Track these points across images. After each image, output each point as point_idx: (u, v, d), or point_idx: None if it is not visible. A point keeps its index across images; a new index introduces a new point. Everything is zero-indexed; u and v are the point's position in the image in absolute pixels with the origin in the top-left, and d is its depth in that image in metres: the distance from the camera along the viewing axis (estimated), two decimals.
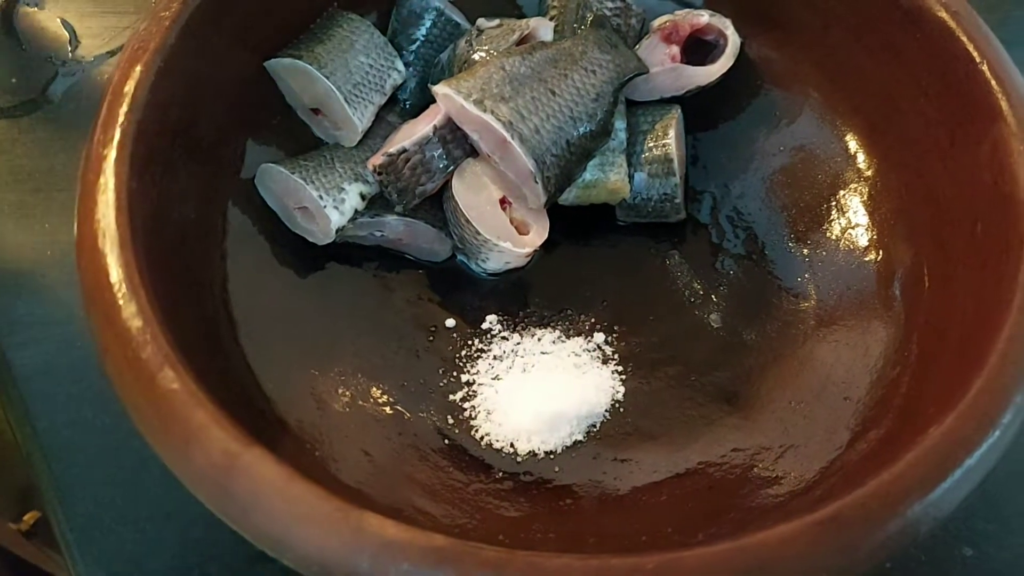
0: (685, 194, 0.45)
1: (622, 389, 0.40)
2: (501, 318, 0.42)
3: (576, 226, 0.44)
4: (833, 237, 0.42)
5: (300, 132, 0.43)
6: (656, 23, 0.45)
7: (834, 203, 0.43)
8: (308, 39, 0.42)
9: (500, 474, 0.37)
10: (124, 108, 0.33)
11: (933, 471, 0.27)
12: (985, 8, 0.39)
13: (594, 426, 0.39)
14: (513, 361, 0.41)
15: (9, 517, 0.49)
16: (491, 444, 0.38)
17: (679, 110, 0.44)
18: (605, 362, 0.41)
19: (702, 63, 0.44)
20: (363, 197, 0.41)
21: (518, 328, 0.42)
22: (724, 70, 0.44)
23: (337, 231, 0.40)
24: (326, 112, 0.42)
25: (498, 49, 0.42)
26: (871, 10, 0.40)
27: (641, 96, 0.45)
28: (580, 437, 0.39)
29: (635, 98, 0.45)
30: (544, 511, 0.36)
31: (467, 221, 0.41)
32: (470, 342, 0.41)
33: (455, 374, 0.40)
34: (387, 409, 0.39)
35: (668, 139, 0.43)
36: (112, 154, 0.32)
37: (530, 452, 0.38)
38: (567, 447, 0.38)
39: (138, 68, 0.34)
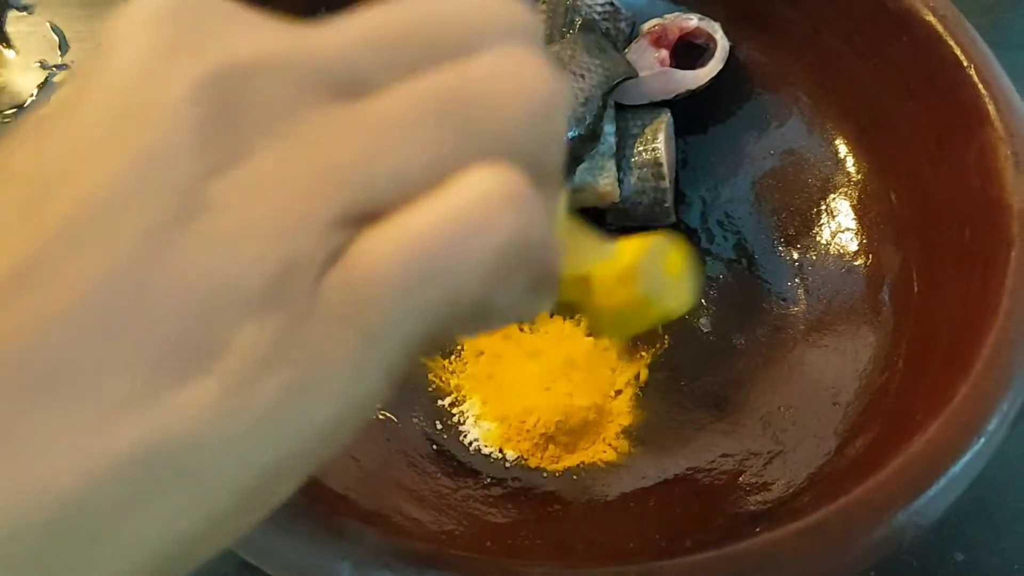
0: (675, 198, 0.44)
1: (611, 394, 0.40)
2: None
3: None
4: (823, 241, 0.42)
5: None
6: (645, 27, 0.45)
7: (823, 207, 0.43)
8: None
9: (488, 480, 0.37)
10: None
11: (918, 479, 0.27)
12: (978, 11, 0.39)
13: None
14: (502, 366, 0.41)
15: None
16: (479, 450, 0.38)
17: (668, 114, 0.44)
18: (595, 367, 0.41)
19: (691, 67, 0.44)
20: None
21: (507, 333, 0.42)
22: (713, 74, 0.44)
23: None
24: None
25: None
26: (860, 14, 0.40)
27: (630, 100, 0.45)
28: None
29: (624, 102, 0.45)
30: (532, 517, 0.36)
31: None
32: (459, 347, 0.41)
33: (444, 379, 0.40)
34: (375, 414, 0.38)
35: (657, 143, 0.43)
36: None
37: (518, 458, 0.38)
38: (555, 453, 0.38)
39: None
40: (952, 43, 0.37)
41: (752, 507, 0.34)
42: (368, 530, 0.25)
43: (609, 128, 0.43)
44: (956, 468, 0.27)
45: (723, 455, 0.37)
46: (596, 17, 0.44)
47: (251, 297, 0.13)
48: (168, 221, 0.13)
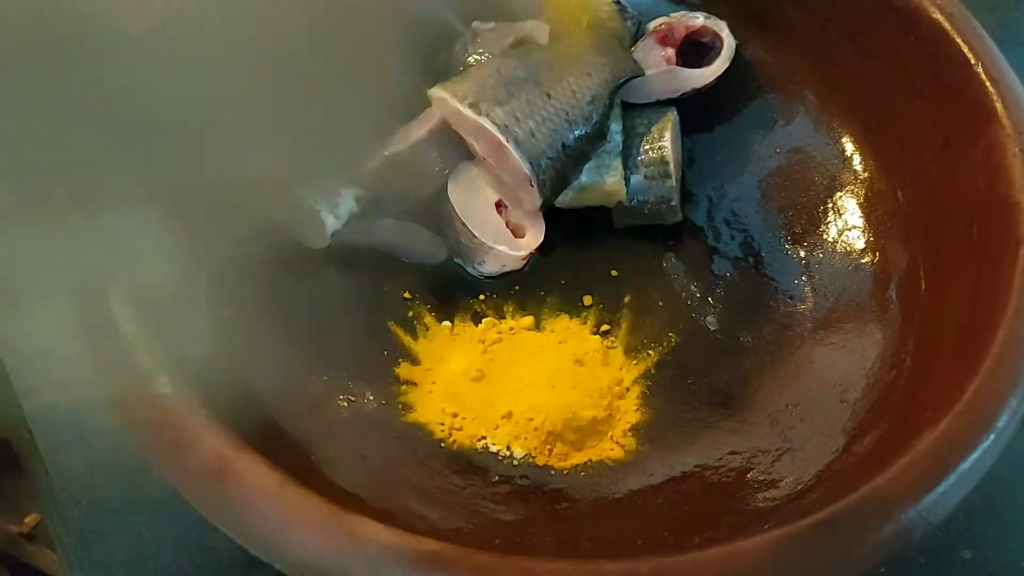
0: (681, 196, 0.44)
1: (618, 392, 0.40)
2: (497, 321, 0.42)
3: (572, 229, 0.44)
4: (829, 239, 0.42)
5: None
6: (651, 25, 0.45)
7: (830, 205, 0.43)
8: None
9: (496, 478, 0.37)
10: None
11: (927, 476, 0.27)
12: (984, 8, 0.39)
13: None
14: (509, 364, 0.41)
15: (10, 519, 0.49)
16: (487, 447, 0.38)
17: (675, 112, 0.44)
18: (602, 365, 0.41)
19: (698, 65, 0.44)
20: (358, 200, 0.41)
21: (514, 331, 0.42)
22: (720, 72, 0.44)
23: (332, 235, 0.40)
24: None
25: (493, 52, 0.42)
26: (866, 13, 0.40)
27: (637, 99, 0.45)
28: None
29: (631, 100, 0.45)
30: (540, 515, 0.36)
31: (463, 224, 0.41)
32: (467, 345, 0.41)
33: (451, 377, 0.40)
34: (383, 412, 0.39)
35: (664, 141, 0.43)
36: None
37: (526, 455, 0.38)
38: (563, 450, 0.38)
39: None
40: (959, 41, 0.37)
41: (761, 504, 0.34)
42: (379, 528, 0.25)
43: (615, 127, 0.43)
44: (965, 465, 0.27)
45: (731, 452, 0.37)
46: (603, 16, 0.44)
47: None
48: None
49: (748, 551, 0.25)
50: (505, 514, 0.35)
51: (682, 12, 0.45)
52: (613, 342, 0.42)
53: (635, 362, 0.41)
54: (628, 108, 0.45)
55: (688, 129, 0.45)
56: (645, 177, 0.43)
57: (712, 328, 0.42)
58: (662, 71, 0.44)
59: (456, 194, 0.41)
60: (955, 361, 0.32)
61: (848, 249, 0.42)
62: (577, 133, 0.40)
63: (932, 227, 0.38)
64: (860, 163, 0.42)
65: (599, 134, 0.41)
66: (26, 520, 0.49)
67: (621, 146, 0.43)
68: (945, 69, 0.37)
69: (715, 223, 0.45)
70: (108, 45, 0.25)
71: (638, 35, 0.46)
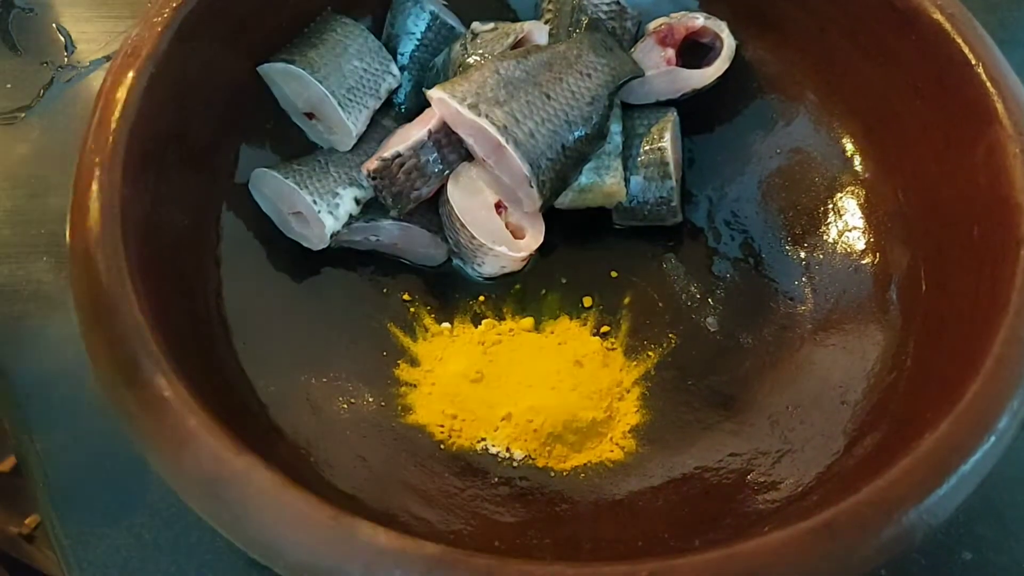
0: (681, 197, 0.44)
1: (618, 394, 0.40)
2: (497, 323, 0.42)
3: (572, 230, 0.44)
4: (830, 240, 0.42)
5: (294, 137, 0.43)
6: (651, 26, 0.45)
7: (831, 206, 0.43)
8: (302, 43, 0.42)
9: (496, 479, 0.37)
10: (116, 114, 0.33)
11: (928, 478, 0.27)
12: (984, 9, 0.39)
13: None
14: (509, 366, 0.40)
15: (10, 520, 0.49)
16: (487, 449, 0.38)
17: (675, 113, 0.44)
18: (602, 366, 0.41)
19: (698, 66, 0.44)
20: (358, 202, 0.41)
21: (514, 332, 0.42)
22: (720, 73, 0.44)
23: (332, 236, 0.40)
24: (320, 116, 0.42)
25: (493, 53, 0.42)
26: (866, 12, 0.40)
27: (637, 99, 0.45)
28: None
29: (631, 101, 0.45)
30: (540, 516, 0.36)
31: (462, 225, 0.41)
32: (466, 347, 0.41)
33: (450, 379, 0.40)
34: (383, 414, 0.38)
35: (664, 142, 0.43)
36: (104, 161, 0.32)
37: (526, 457, 0.38)
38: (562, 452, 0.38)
39: (130, 74, 0.34)
40: (960, 41, 0.36)
41: (761, 506, 0.34)
42: (378, 530, 0.25)
43: (615, 127, 0.43)
44: (967, 467, 0.27)
45: (731, 454, 0.37)
46: (602, 16, 0.44)
47: None
48: None
49: (749, 553, 0.25)
50: (505, 516, 0.35)
51: (682, 12, 0.45)
52: (613, 343, 0.42)
53: (635, 363, 0.41)
54: (628, 109, 0.44)
55: (688, 130, 0.45)
56: (645, 178, 0.43)
57: (712, 329, 0.42)
58: (662, 72, 0.44)
59: (456, 195, 0.41)
60: (956, 362, 0.32)
61: (849, 250, 0.42)
62: (577, 134, 0.40)
63: (933, 228, 0.38)
64: (860, 164, 0.42)
65: (599, 135, 0.41)
66: (26, 521, 0.49)
67: (621, 147, 0.43)
68: (946, 69, 0.37)
69: (715, 224, 0.45)
70: None
71: (638, 35, 0.46)
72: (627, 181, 0.43)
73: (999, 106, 0.35)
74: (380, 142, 0.43)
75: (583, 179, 0.42)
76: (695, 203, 0.45)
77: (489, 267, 0.42)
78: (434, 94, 0.40)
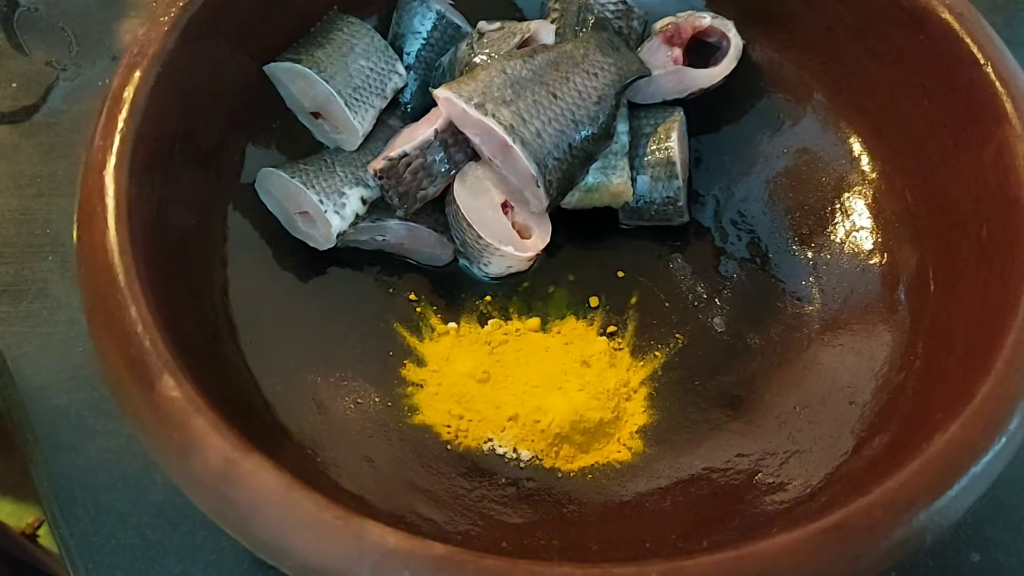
0: (688, 197, 0.44)
1: (625, 394, 0.40)
2: (503, 322, 0.42)
3: (579, 230, 0.44)
4: (837, 240, 0.42)
5: (301, 136, 0.43)
6: (658, 25, 0.45)
7: (838, 206, 0.43)
8: (308, 43, 0.42)
9: (503, 480, 0.37)
10: (123, 114, 0.33)
11: (939, 479, 0.27)
12: (990, 8, 0.39)
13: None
14: (516, 367, 0.40)
15: (13, 520, 0.49)
16: (494, 450, 0.38)
17: (682, 113, 0.44)
18: (609, 366, 0.41)
19: (705, 65, 0.44)
20: (364, 201, 0.41)
21: (520, 332, 0.42)
22: (727, 72, 0.44)
23: (338, 236, 0.40)
24: (327, 116, 0.42)
25: (499, 52, 0.42)
26: (873, 12, 0.40)
27: (643, 99, 0.44)
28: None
29: (637, 101, 0.44)
30: (547, 518, 0.36)
31: (469, 225, 0.40)
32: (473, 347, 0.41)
33: (456, 379, 0.40)
34: (389, 414, 0.38)
35: (671, 142, 0.43)
36: (111, 160, 0.32)
37: (533, 458, 0.38)
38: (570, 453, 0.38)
39: (137, 74, 0.34)
40: (968, 40, 0.36)
41: (769, 507, 0.34)
42: (386, 531, 0.25)
43: (622, 127, 0.43)
44: (977, 468, 0.27)
45: (739, 455, 0.37)
46: (609, 15, 0.44)
47: None
48: None
49: (758, 554, 0.25)
50: (512, 517, 0.35)
51: (689, 12, 0.45)
52: (620, 343, 0.42)
53: (642, 363, 0.41)
54: (635, 108, 0.44)
55: (695, 129, 0.45)
56: (652, 178, 0.43)
57: (719, 329, 0.42)
58: (669, 71, 0.44)
59: (462, 195, 0.41)
60: (965, 363, 0.32)
61: (856, 250, 0.41)
62: (583, 134, 0.40)
63: (941, 228, 0.38)
64: (868, 163, 0.42)
65: (605, 135, 0.41)
66: (29, 520, 0.49)
67: (628, 147, 0.43)
68: (954, 69, 0.37)
69: (722, 224, 0.45)
70: None
71: (644, 35, 0.46)
72: (634, 181, 0.43)
73: (1008, 106, 0.35)
74: (386, 142, 0.43)
75: (590, 179, 0.42)
76: (702, 203, 0.45)
77: (495, 267, 0.42)
78: (440, 93, 0.40)
